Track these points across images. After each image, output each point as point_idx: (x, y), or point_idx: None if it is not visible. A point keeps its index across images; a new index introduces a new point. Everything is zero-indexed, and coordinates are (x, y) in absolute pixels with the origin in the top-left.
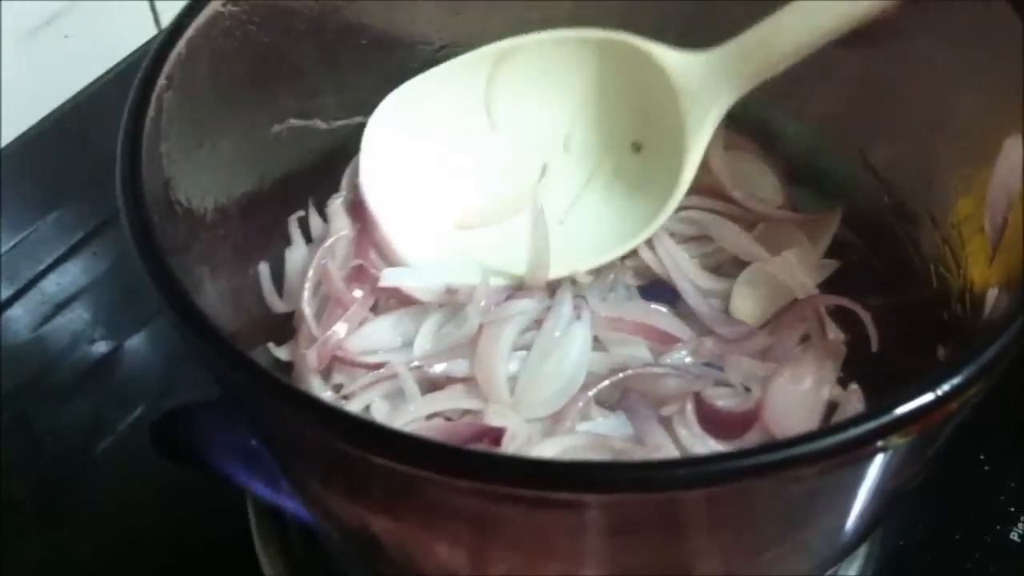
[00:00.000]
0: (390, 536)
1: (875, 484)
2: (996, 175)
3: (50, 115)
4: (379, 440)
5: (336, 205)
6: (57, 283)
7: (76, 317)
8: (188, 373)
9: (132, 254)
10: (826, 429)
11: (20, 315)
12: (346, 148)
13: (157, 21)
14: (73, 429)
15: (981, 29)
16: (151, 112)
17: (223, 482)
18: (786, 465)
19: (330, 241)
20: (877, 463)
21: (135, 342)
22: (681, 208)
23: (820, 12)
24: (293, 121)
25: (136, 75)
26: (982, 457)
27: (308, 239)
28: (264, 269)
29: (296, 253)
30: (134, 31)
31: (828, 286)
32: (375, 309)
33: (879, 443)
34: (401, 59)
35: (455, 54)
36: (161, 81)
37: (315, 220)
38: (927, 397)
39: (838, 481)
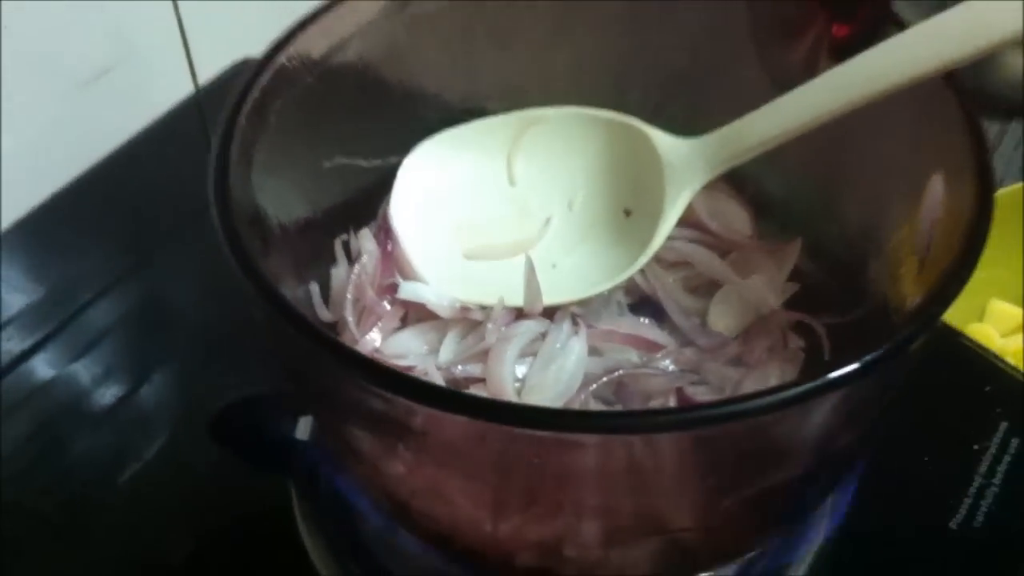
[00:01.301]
0: (425, 486)
1: (815, 440)
2: (923, 206)
3: (99, 163)
4: (426, 390)
5: (364, 231)
6: (93, 320)
7: (109, 351)
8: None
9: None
10: (765, 390)
11: (61, 347)
12: (382, 183)
13: (195, 79)
14: (102, 454)
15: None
16: (234, 145)
17: (270, 469)
18: (733, 416)
19: (363, 260)
20: (813, 417)
21: (160, 376)
22: (667, 238)
23: (782, 117)
24: (339, 159)
25: (171, 129)
26: (926, 459)
27: (349, 259)
28: (314, 286)
29: (340, 270)
30: (172, 89)
31: (790, 304)
32: (405, 321)
33: (810, 401)
34: (429, 110)
35: (474, 106)
36: (241, 120)
37: (356, 243)
38: (850, 367)
39: (781, 435)
